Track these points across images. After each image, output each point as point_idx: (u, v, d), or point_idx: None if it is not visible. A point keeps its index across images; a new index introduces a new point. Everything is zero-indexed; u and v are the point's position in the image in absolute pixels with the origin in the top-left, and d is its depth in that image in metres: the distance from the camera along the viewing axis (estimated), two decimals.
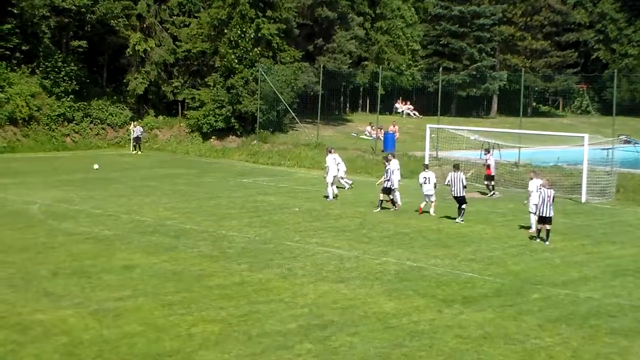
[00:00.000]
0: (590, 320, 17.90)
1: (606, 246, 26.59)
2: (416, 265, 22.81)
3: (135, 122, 55.47)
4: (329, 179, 35.19)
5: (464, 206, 30.16)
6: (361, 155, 47.58)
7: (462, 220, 29.90)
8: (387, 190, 32.09)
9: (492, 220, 31.02)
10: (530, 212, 28.97)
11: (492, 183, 38.29)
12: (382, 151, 49.10)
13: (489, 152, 39.17)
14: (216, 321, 17.01)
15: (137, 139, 54.08)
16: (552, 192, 26.79)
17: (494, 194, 37.89)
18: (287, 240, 25.74)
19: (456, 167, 31.30)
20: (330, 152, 36.50)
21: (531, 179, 29.62)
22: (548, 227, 26.54)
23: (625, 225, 30.91)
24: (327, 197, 35.17)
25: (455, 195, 30.22)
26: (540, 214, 26.68)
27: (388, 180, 32.07)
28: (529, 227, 29.15)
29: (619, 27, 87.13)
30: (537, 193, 27.22)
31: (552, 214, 26.58)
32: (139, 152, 53.38)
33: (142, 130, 54.88)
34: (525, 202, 29.32)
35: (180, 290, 19.31)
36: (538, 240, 26.65)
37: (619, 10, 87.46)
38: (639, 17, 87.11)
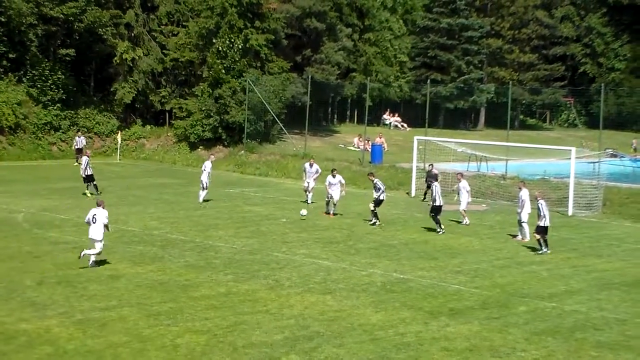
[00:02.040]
0: (576, 334, 17.92)
1: (592, 259, 26.66)
2: (403, 277, 22.80)
3: (79, 132, 53.32)
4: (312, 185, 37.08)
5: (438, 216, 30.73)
6: (348, 167, 47.54)
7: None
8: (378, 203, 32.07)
9: (479, 232, 31.07)
10: (524, 222, 29.13)
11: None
12: (370, 163, 49.18)
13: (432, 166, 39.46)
14: (202, 332, 16.94)
15: (80, 151, 49.62)
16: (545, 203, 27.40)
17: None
18: (274, 251, 25.70)
19: (434, 178, 31.68)
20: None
21: (520, 189, 29.96)
22: (546, 236, 27.24)
23: (611, 239, 31.00)
24: (306, 201, 36.75)
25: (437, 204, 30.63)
26: (546, 224, 27.04)
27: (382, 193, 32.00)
28: (515, 236, 29.41)
29: (605, 41, 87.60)
30: (538, 204, 27.31)
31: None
32: (77, 164, 48.05)
33: (84, 141, 51.66)
34: (519, 211, 29.47)
35: (166, 301, 19.24)
36: (546, 250, 27.01)
37: (605, 25, 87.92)
38: (626, 32, 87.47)
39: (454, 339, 17.15)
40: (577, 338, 17.62)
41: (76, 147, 51.23)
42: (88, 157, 38.62)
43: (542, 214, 26.99)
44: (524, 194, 29.44)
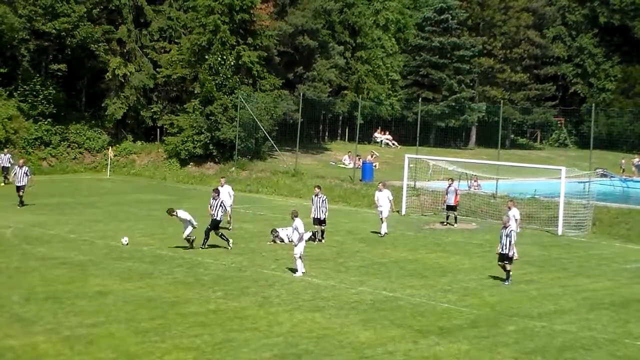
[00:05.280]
0: (566, 353, 17.88)
1: (582, 279, 26.65)
2: (392, 295, 22.74)
3: (6, 150, 49.90)
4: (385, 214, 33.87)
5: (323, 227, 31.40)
6: (339, 184, 47.54)
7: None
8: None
9: (469, 251, 31.03)
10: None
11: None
12: (360, 180, 49.14)
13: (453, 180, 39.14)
14: (190, 349, 16.85)
15: (6, 169, 47.03)
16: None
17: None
18: (263, 269, 25.62)
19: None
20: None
21: (509, 208, 30.08)
22: (509, 266, 25.32)
23: (600, 259, 31.00)
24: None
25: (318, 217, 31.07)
26: (503, 252, 25.10)
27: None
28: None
29: (596, 61, 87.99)
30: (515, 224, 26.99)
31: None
32: (3, 184, 46.17)
33: (10, 158, 47.83)
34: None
35: (154, 317, 19.14)
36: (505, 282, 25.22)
37: (597, 46, 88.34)
38: (617, 53, 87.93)
39: (443, 358, 17.10)
40: (567, 358, 17.59)
41: (2, 165, 47.96)
42: (21, 166, 38.80)
43: (502, 241, 25.13)
44: (513, 213, 29.54)
